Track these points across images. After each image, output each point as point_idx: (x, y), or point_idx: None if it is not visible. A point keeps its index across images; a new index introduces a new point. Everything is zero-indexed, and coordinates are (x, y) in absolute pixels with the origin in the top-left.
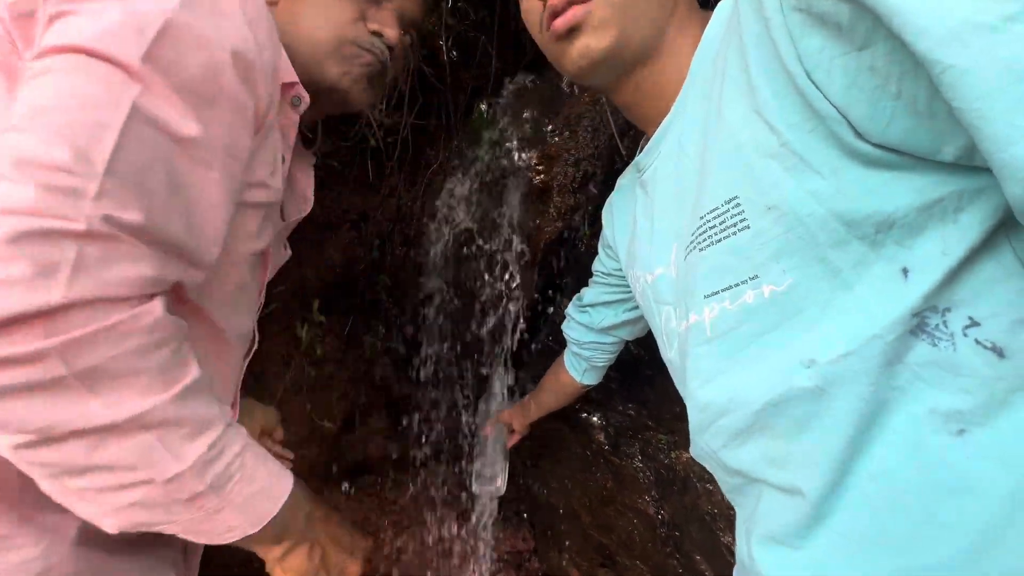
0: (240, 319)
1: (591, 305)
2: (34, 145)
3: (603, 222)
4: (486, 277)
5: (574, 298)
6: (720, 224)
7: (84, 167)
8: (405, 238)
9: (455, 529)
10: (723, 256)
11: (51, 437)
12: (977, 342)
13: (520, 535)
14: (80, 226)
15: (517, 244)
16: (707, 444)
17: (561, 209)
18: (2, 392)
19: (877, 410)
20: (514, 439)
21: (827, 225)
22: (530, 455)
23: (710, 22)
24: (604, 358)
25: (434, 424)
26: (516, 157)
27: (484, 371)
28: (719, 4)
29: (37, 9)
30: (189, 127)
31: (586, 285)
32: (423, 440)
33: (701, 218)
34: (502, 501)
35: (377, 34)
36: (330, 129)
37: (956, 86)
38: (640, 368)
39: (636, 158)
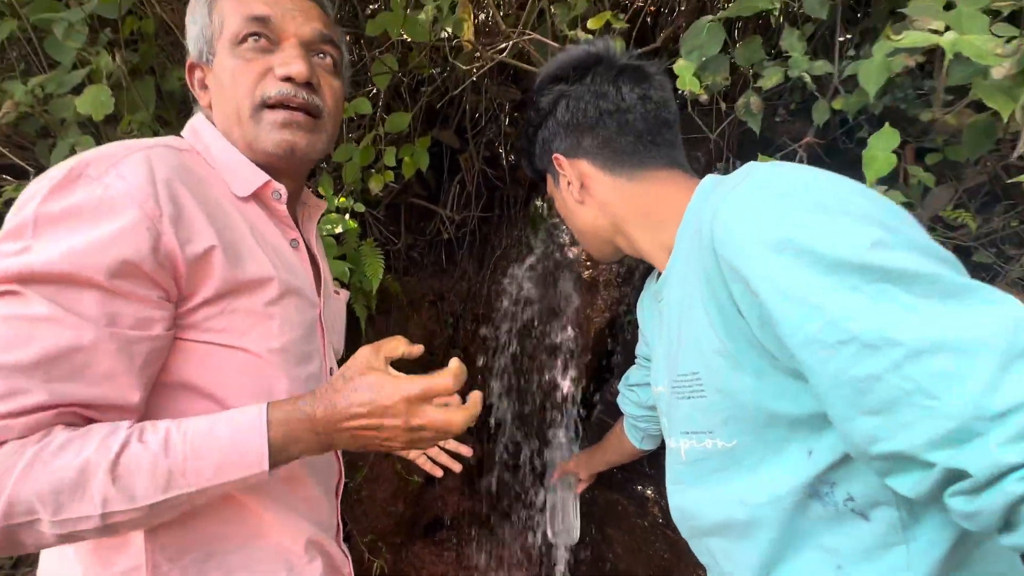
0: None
1: (637, 385)
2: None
3: (638, 315)
4: (544, 359)
5: (623, 376)
6: (688, 387)
7: None
8: (475, 316)
9: None
10: (691, 410)
11: None
12: (852, 510)
13: None
14: None
15: (571, 332)
16: (685, 534)
17: (608, 301)
18: None
19: (786, 542)
20: (581, 486)
21: (758, 412)
22: (596, 520)
23: (691, 199)
24: (659, 428)
25: (506, 484)
26: (567, 252)
27: (549, 436)
28: (702, 181)
29: None
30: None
31: (633, 364)
32: (496, 498)
33: (678, 375)
34: (573, 563)
35: (288, 78)
36: (410, 227)
37: (807, 372)
38: None
39: (655, 286)
